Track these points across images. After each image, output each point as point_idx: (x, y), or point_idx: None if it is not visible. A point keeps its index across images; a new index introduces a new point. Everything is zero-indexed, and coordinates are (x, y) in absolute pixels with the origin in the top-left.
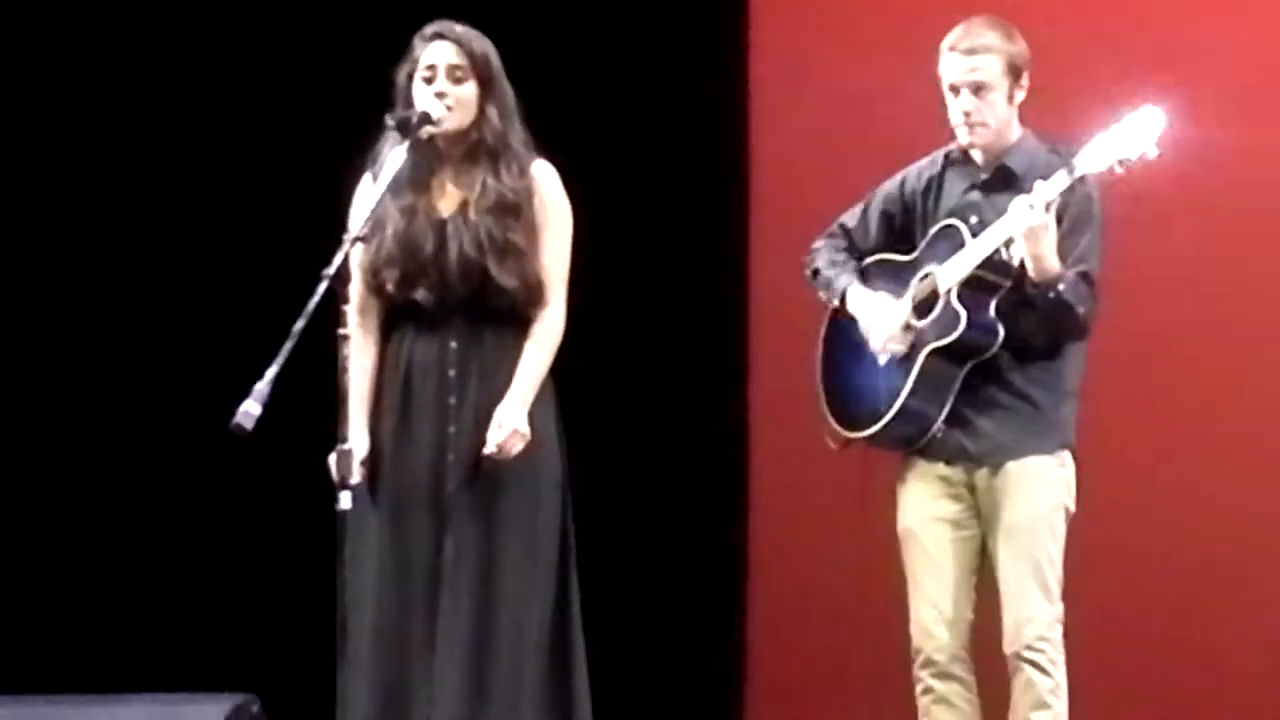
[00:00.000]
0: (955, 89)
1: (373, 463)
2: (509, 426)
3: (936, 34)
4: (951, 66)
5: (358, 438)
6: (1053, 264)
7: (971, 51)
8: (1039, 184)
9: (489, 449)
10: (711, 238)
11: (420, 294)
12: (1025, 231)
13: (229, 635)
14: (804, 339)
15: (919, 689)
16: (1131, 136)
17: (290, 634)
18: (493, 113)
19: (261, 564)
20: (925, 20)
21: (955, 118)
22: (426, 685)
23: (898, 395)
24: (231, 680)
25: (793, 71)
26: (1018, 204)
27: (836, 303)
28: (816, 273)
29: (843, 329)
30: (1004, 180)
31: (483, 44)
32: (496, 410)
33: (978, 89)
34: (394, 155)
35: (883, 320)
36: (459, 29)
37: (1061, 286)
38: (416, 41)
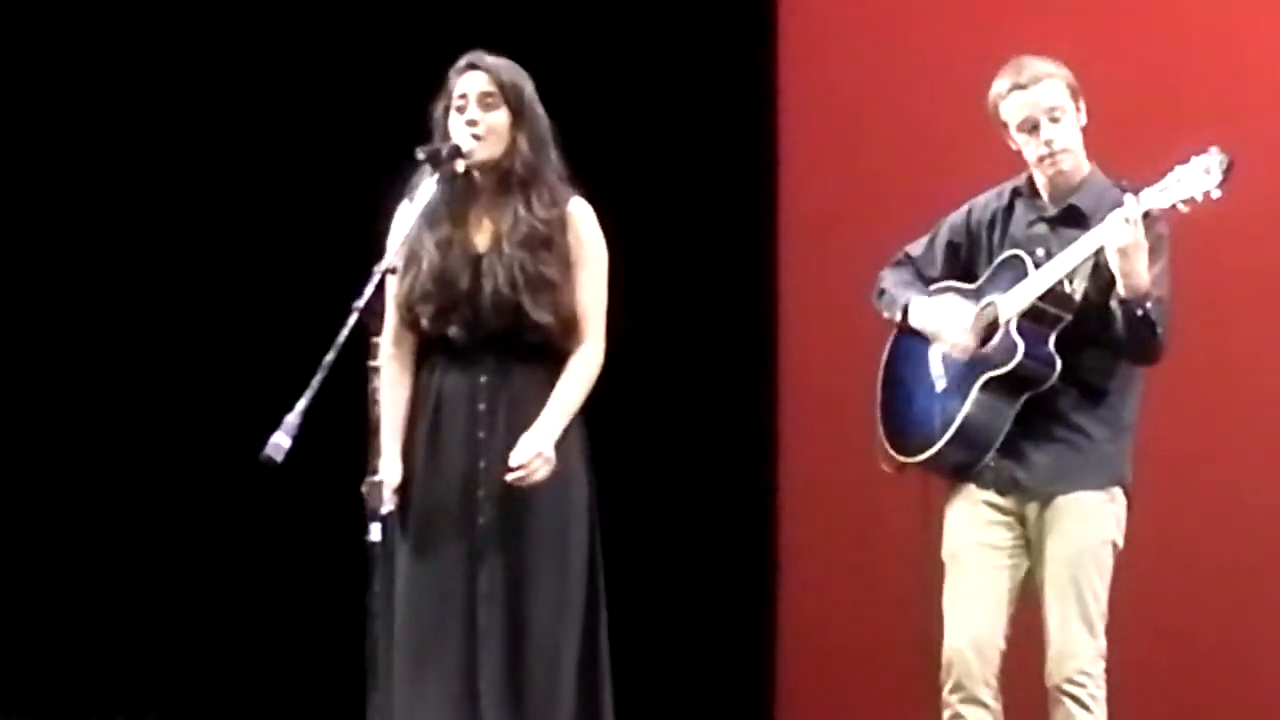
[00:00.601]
0: (1031, 123)
1: (403, 494)
2: (532, 449)
3: (964, 43)
4: (1019, 103)
5: (390, 467)
6: (1144, 280)
7: (1035, 80)
8: (1129, 198)
9: (513, 472)
10: (741, 250)
11: (453, 330)
12: (1123, 245)
13: (258, 669)
14: (833, 351)
15: (947, 714)
16: (1197, 177)
17: (320, 667)
18: (523, 142)
19: (292, 597)
20: (952, 30)
21: (1037, 152)
22: (461, 717)
23: (952, 422)
24: (260, 714)
25: (821, 85)
26: (1117, 215)
27: (899, 316)
28: (883, 293)
29: (904, 351)
30: (1072, 218)
31: (514, 73)
32: (524, 439)
33: (1054, 116)
34: (425, 187)
35: (954, 318)
36: (490, 59)
37: (1149, 304)
38: (451, 74)
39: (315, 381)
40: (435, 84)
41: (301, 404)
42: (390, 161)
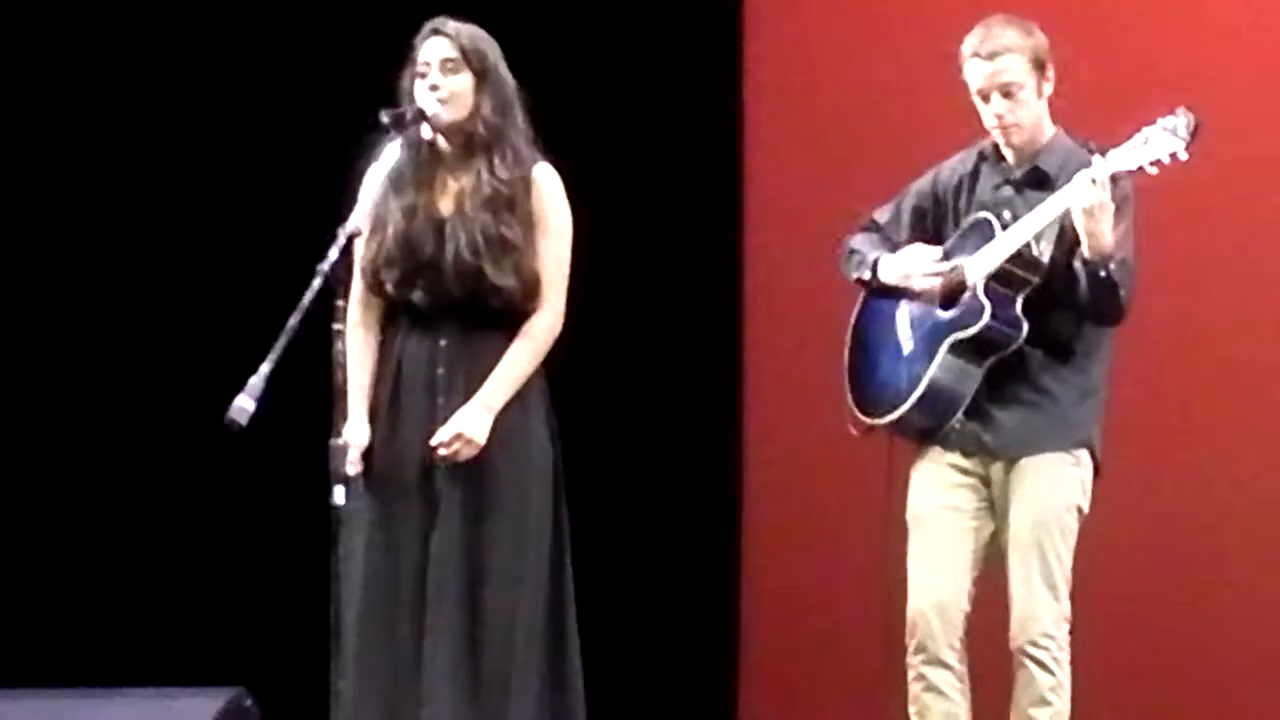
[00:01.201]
0: (984, 95)
1: (366, 457)
2: (454, 429)
3: (934, 32)
4: (975, 72)
5: (358, 429)
6: (1108, 241)
7: (993, 55)
8: (1097, 159)
9: (436, 443)
10: (706, 231)
11: (417, 295)
12: (1088, 205)
13: (223, 630)
14: (799, 329)
15: (911, 675)
16: (1165, 138)
17: (284, 628)
18: (486, 105)
19: (256, 558)
20: (923, 19)
21: (989, 121)
22: (415, 684)
23: (919, 384)
24: (225, 674)
25: (788, 70)
26: (1083, 176)
27: (868, 274)
28: (852, 253)
29: (873, 314)
30: (1037, 180)
31: (476, 38)
32: (459, 414)
33: (1006, 92)
34: (389, 151)
35: (919, 261)
36: (452, 24)
37: (1112, 265)
38: (416, 41)
39: (279, 345)
40: (404, 52)
41: (265, 367)
42: (356, 127)
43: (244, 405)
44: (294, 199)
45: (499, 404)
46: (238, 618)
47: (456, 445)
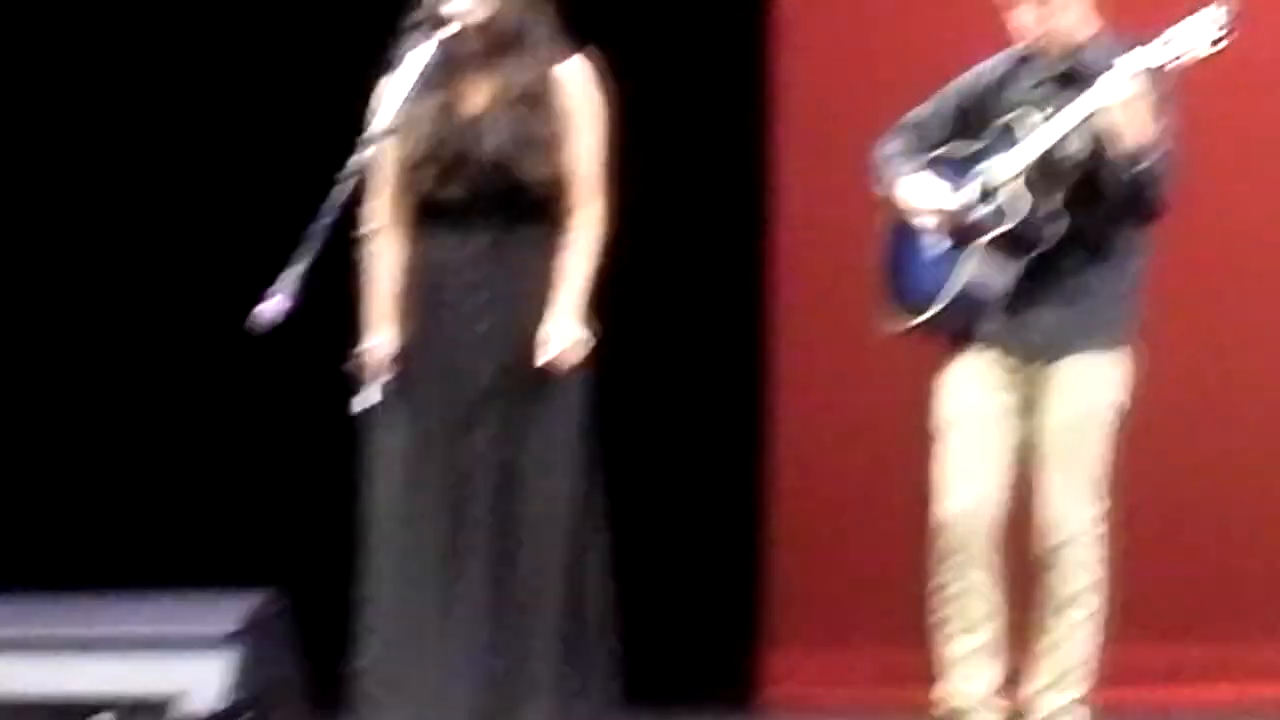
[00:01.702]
0: (1013, 2)
1: (399, 360)
2: (572, 338)
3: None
4: None
5: (385, 334)
6: (1147, 135)
7: None
8: (1132, 54)
9: (545, 361)
10: (736, 150)
11: (455, 192)
12: (1123, 100)
13: (255, 533)
14: (828, 244)
15: (943, 581)
16: (1200, 30)
17: (315, 532)
18: (511, 3)
19: (284, 462)
20: None
21: (1024, 25)
22: (448, 592)
23: (955, 282)
24: (257, 577)
25: (815, 40)
26: (1116, 70)
27: (891, 193)
28: (885, 162)
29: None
30: (1076, 76)
31: None
32: (549, 320)
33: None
34: (416, 54)
35: (926, 199)
36: None
37: (1147, 162)
38: None
39: (313, 243)
40: None
41: (298, 268)
42: (382, 32)
43: (276, 305)
44: (321, 107)
45: (580, 309)
46: (270, 522)
47: (571, 353)
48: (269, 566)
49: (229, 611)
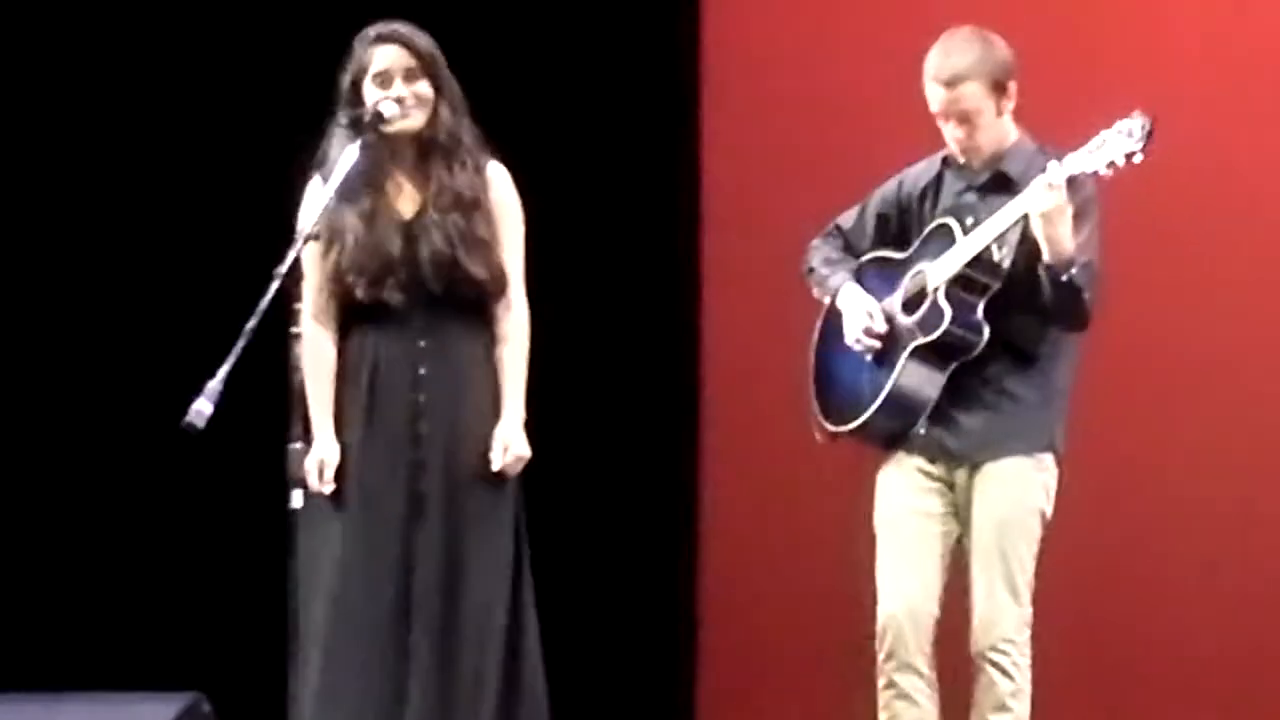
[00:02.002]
0: (943, 118)
1: (343, 460)
2: (515, 451)
3: (892, 30)
4: (934, 96)
5: (327, 444)
6: (1068, 245)
7: (952, 83)
8: (1053, 164)
9: (496, 467)
10: (664, 230)
11: (389, 294)
12: (1046, 210)
13: (181, 635)
14: (758, 332)
15: (881, 683)
16: (1120, 140)
17: (242, 633)
18: (445, 111)
19: (213, 563)
20: (880, 17)
21: (949, 141)
22: (399, 679)
23: (882, 390)
24: (182, 680)
25: (746, 70)
26: (1040, 182)
27: (829, 300)
28: (812, 270)
29: (836, 323)
30: (999, 184)
31: (428, 42)
32: (499, 431)
33: (964, 118)
34: (345, 155)
35: (859, 316)
36: (404, 29)
37: (1074, 270)
38: (359, 45)
39: (237, 348)
40: (339, 53)
41: (223, 370)
42: (303, 130)
43: (202, 409)
44: (245, 204)
45: (523, 412)
46: (195, 622)
47: (516, 465)
48: (196, 668)
49: (157, 713)
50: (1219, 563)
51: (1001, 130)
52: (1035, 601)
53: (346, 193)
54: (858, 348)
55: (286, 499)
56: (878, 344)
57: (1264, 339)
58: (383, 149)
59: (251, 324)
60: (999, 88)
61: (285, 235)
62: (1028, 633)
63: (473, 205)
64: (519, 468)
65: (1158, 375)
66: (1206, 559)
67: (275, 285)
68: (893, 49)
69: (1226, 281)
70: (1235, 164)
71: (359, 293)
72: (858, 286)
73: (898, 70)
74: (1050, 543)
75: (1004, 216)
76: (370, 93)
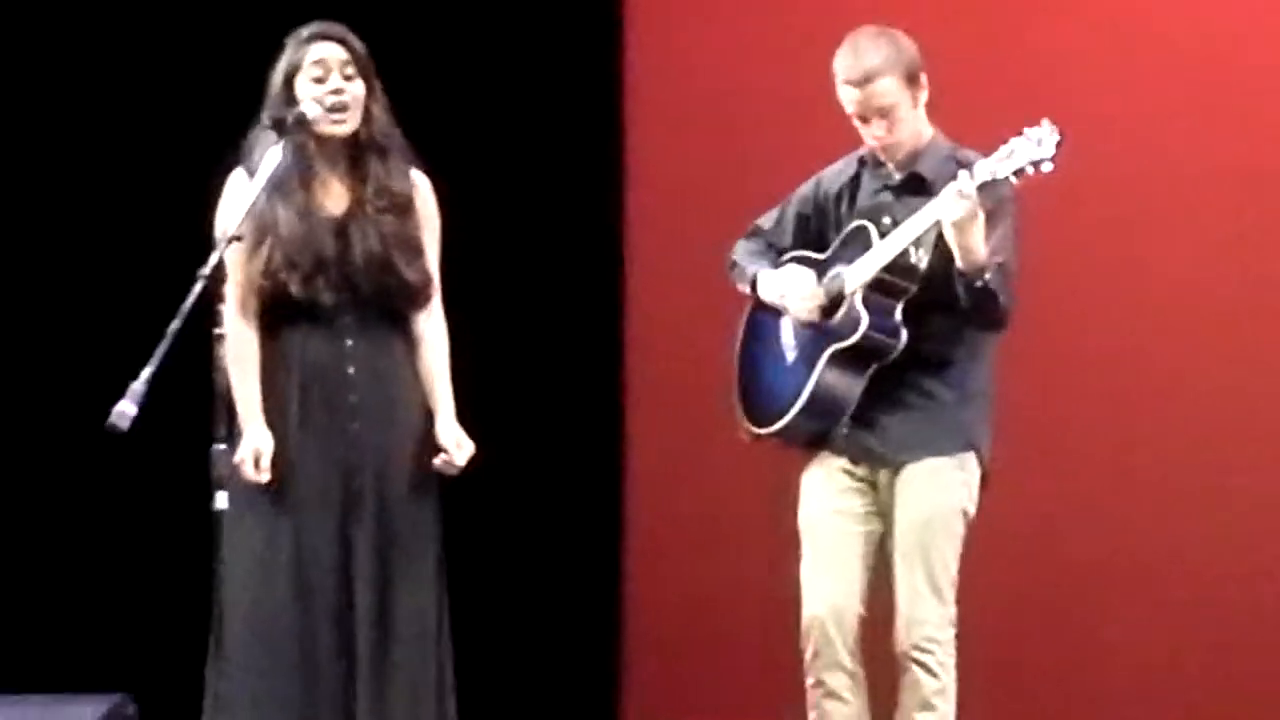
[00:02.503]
0: (861, 118)
1: (276, 461)
2: (467, 448)
3: (812, 29)
4: (849, 98)
5: (259, 434)
6: (981, 251)
7: (866, 80)
8: (963, 174)
9: (451, 465)
10: (588, 237)
11: (322, 293)
12: (957, 218)
13: (105, 636)
14: (681, 332)
15: (810, 682)
16: (1030, 148)
17: (165, 634)
18: (378, 111)
19: (135, 564)
20: (801, 16)
21: (869, 140)
22: (335, 680)
23: (802, 393)
24: (105, 680)
25: (669, 72)
26: (950, 190)
27: (748, 289)
28: (734, 265)
29: (758, 324)
30: (915, 185)
31: (362, 45)
32: (444, 428)
33: (882, 113)
34: (270, 155)
35: (796, 287)
36: (339, 29)
37: (988, 275)
38: (292, 43)
39: (161, 349)
40: (267, 51)
41: (147, 372)
42: (227, 127)
43: (125, 410)
44: (168, 201)
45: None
46: (119, 623)
47: (463, 459)
48: (120, 669)
49: (82, 714)
50: (1147, 561)
51: (918, 125)
52: (960, 600)
53: (275, 189)
54: (800, 307)
55: (211, 500)
56: (823, 302)
57: (1185, 339)
58: (310, 146)
59: (175, 325)
60: (912, 79)
61: (209, 232)
62: (952, 631)
63: (405, 207)
64: (465, 459)
65: (1085, 374)
66: (1135, 557)
67: (199, 286)
68: (812, 49)
69: (1147, 281)
70: (1150, 162)
71: (293, 289)
72: (773, 270)
73: (818, 70)
74: (975, 541)
75: (918, 222)
76: (305, 88)
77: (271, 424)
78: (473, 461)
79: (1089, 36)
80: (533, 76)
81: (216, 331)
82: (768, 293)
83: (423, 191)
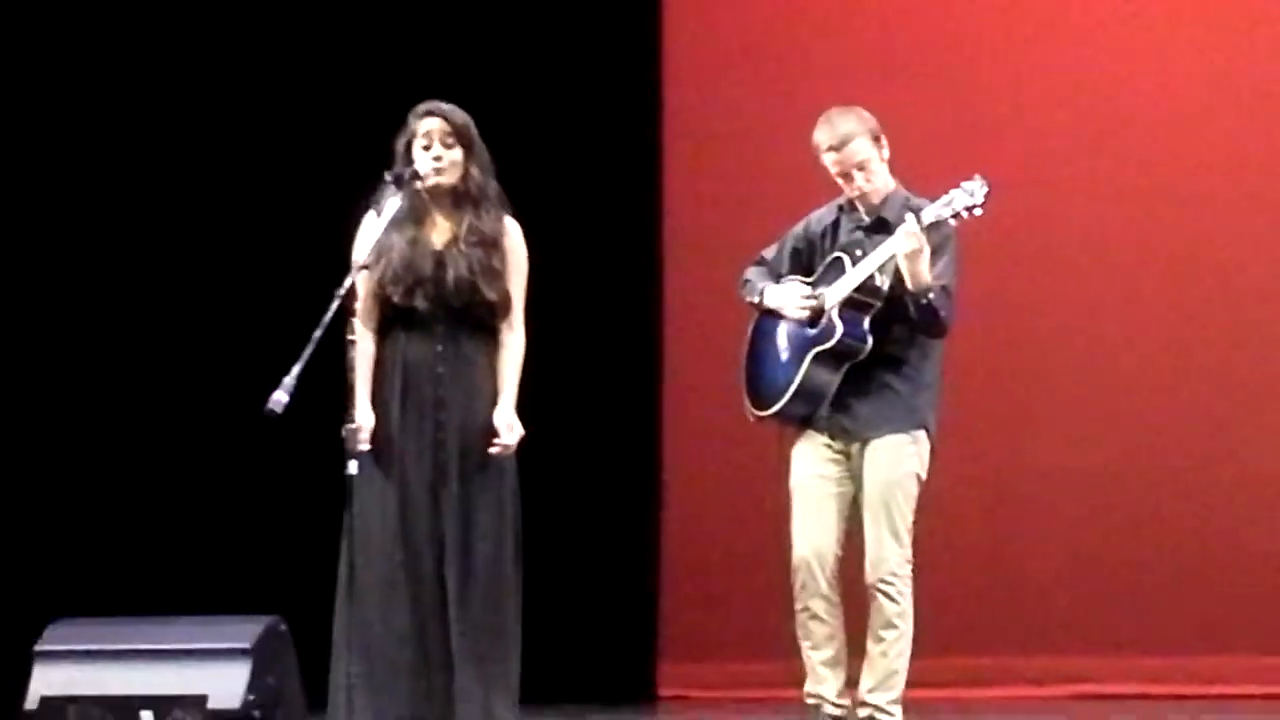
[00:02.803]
0: (845, 175)
1: (383, 439)
2: (517, 430)
3: (838, 61)
4: (833, 162)
5: (364, 415)
6: (925, 277)
7: (844, 143)
8: (910, 216)
9: (500, 446)
10: (631, 248)
11: (418, 302)
12: (907, 252)
13: (265, 572)
14: (712, 333)
15: (797, 607)
16: (965, 197)
17: (311, 571)
18: (474, 170)
19: (289, 518)
20: (829, 53)
21: (850, 193)
22: (436, 614)
23: (791, 384)
24: (263, 606)
25: (704, 100)
26: (902, 230)
27: (757, 299)
28: (746, 283)
29: (761, 329)
30: (880, 226)
31: (464, 117)
32: (498, 415)
33: (860, 167)
34: (391, 202)
35: (792, 297)
36: (445, 106)
37: (931, 295)
38: (411, 118)
39: (306, 351)
40: (393, 121)
41: (297, 368)
42: (364, 181)
43: (280, 398)
44: (317, 235)
45: (514, 401)
46: (277, 562)
47: (514, 438)
48: (275, 597)
49: (246, 630)
50: (1060, 510)
51: (885, 178)
52: (914, 543)
53: (394, 226)
54: (796, 311)
55: (344, 467)
56: (814, 304)
57: (1110, 331)
58: (423, 196)
59: (318, 333)
60: (877, 139)
61: (347, 261)
62: (909, 568)
63: (492, 244)
64: (515, 440)
65: (1012, 366)
66: (1049, 506)
67: (336, 303)
68: (835, 69)
69: (1065, 304)
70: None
71: (395, 299)
72: (776, 285)
73: (839, 91)
74: (924, 498)
75: (880, 254)
76: (417, 154)
77: (379, 409)
78: (531, 441)
79: (1019, 101)
80: (574, 93)
81: (349, 337)
82: (772, 301)
83: (512, 234)
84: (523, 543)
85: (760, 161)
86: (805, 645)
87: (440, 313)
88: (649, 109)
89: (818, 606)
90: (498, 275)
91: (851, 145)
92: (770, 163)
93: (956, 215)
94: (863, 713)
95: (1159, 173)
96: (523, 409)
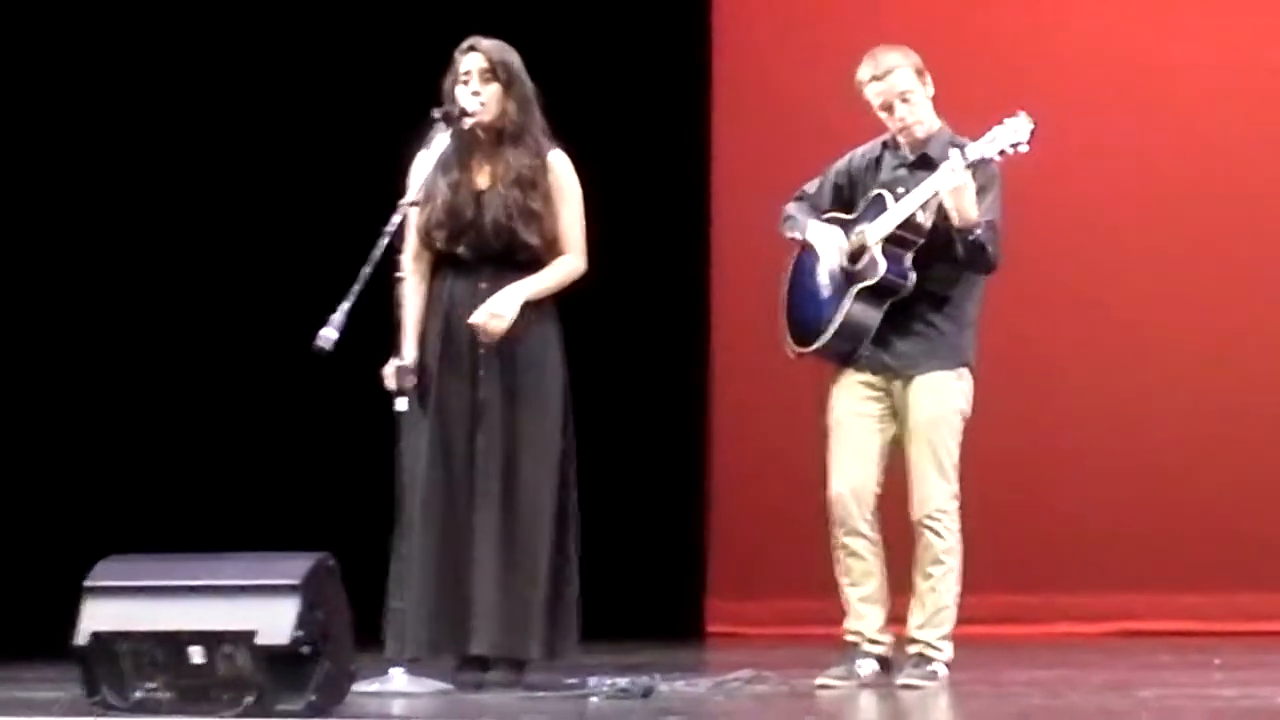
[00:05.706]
0: (887, 107)
1: (424, 375)
2: (488, 309)
3: (884, 39)
4: (875, 91)
5: (409, 350)
6: (973, 213)
7: (887, 73)
8: (955, 153)
9: (473, 322)
10: (679, 189)
11: (461, 249)
12: (952, 188)
13: (314, 507)
14: (759, 270)
15: (834, 543)
16: (1010, 134)
17: (357, 507)
18: (512, 107)
19: (339, 453)
20: (874, 28)
21: (894, 126)
22: (469, 546)
23: (834, 321)
24: (315, 543)
25: (752, 72)
26: (946, 166)
27: (799, 235)
28: (788, 218)
29: (802, 266)
30: (924, 163)
31: (504, 52)
32: (492, 300)
33: (904, 98)
34: (439, 140)
35: (832, 239)
36: (485, 42)
37: (979, 230)
38: (456, 54)
39: (355, 288)
40: (445, 60)
41: (346, 305)
42: (411, 120)
43: (329, 335)
44: (369, 173)
45: (523, 295)
46: (327, 498)
47: (491, 321)
48: (326, 532)
49: (295, 566)
50: (1103, 449)
51: (930, 115)
52: (961, 479)
53: (440, 167)
54: (834, 255)
55: (393, 404)
56: (844, 264)
57: (1138, 274)
58: (468, 136)
59: (366, 270)
60: (921, 73)
61: (398, 201)
62: (956, 504)
63: (531, 184)
64: (494, 325)
65: (1052, 307)
66: (1092, 446)
67: (384, 241)
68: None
69: (1097, 247)
70: (1112, 150)
71: (439, 245)
72: (822, 223)
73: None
74: (969, 434)
75: (924, 190)
76: (460, 90)
77: (423, 347)
78: (580, 383)
79: (1062, 45)
80: (626, 87)
81: (397, 275)
82: (813, 238)
83: (556, 168)
84: (576, 481)
85: (806, 104)
86: (844, 582)
87: (483, 256)
88: (699, 58)
89: (855, 544)
90: (535, 216)
91: (894, 75)
92: (816, 105)
93: (1002, 152)
94: (912, 649)
95: (1205, 130)
96: (572, 351)
